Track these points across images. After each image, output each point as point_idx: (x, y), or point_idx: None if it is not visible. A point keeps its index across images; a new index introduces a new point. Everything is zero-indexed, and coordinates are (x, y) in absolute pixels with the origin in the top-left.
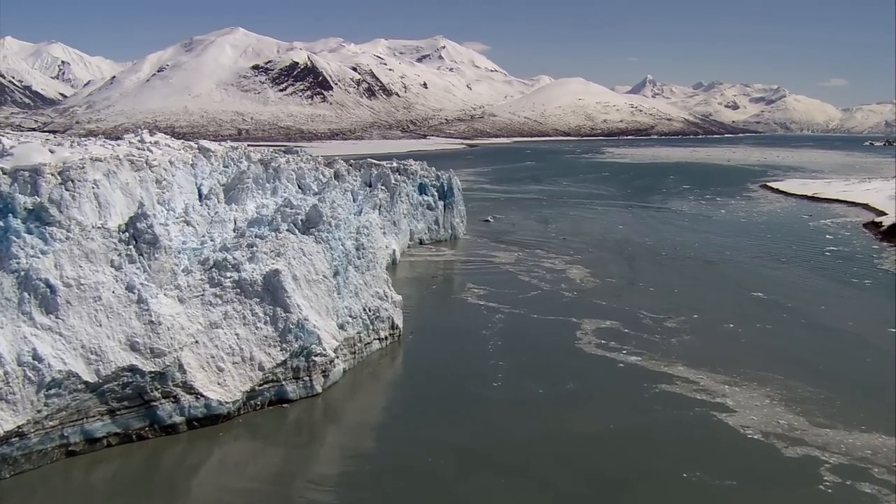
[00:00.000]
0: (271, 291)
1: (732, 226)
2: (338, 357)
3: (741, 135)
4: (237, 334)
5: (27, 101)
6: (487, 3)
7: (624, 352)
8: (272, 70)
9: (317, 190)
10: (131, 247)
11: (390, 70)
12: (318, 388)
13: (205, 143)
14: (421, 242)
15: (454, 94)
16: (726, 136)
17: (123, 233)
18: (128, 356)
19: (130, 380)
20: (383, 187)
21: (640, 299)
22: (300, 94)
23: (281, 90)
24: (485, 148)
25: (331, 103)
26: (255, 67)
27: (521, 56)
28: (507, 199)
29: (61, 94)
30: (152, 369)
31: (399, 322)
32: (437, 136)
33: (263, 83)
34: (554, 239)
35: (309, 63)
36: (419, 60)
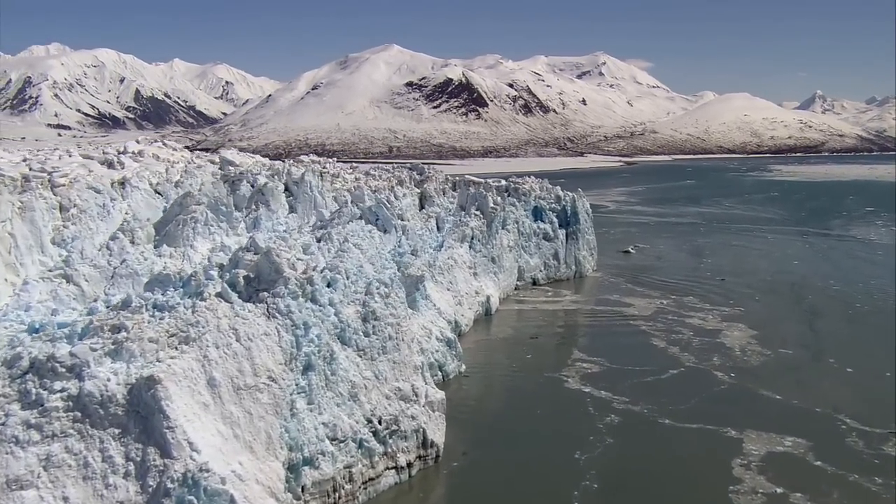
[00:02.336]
0: (143, 416)
1: None
2: None
3: None
4: (65, 498)
5: (190, 120)
6: (651, 20)
7: None
8: (426, 87)
9: (334, 219)
10: None
11: (548, 86)
12: None
13: (229, 155)
14: (534, 283)
15: (614, 111)
16: None
17: None
18: None
19: None
20: (478, 212)
21: (836, 390)
22: (454, 110)
23: (434, 107)
24: (643, 166)
25: (485, 120)
26: (409, 84)
27: (685, 72)
28: (658, 224)
29: (223, 113)
30: None
31: (437, 436)
32: (595, 153)
33: (417, 100)
34: (709, 280)
35: (464, 79)
36: (579, 77)
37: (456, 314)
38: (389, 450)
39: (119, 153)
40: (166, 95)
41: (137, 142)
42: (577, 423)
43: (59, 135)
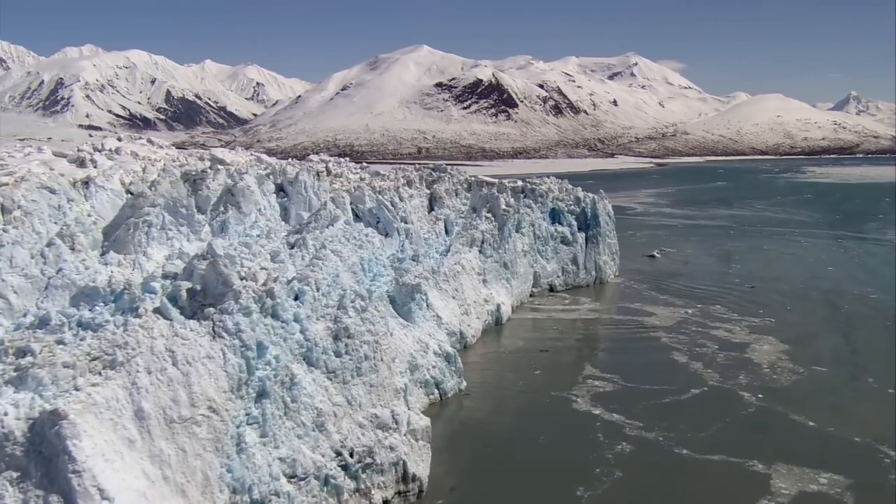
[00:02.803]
0: (46, 457)
1: None
2: None
3: None
4: None
5: (221, 121)
6: (683, 21)
7: None
8: (456, 87)
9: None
10: None
11: (579, 87)
12: None
13: (219, 152)
14: (551, 289)
15: (645, 112)
16: None
17: None
18: None
19: None
20: (489, 215)
21: (877, 417)
22: (484, 111)
23: (464, 108)
24: (674, 167)
25: (515, 121)
26: (439, 85)
27: (717, 73)
28: (686, 227)
29: (253, 114)
30: None
31: (421, 468)
32: (626, 154)
33: (447, 101)
34: (738, 287)
35: (494, 80)
36: (610, 78)
37: (461, 324)
38: (362, 486)
39: (95, 150)
40: (197, 96)
41: (119, 139)
42: (583, 452)
43: (90, 135)
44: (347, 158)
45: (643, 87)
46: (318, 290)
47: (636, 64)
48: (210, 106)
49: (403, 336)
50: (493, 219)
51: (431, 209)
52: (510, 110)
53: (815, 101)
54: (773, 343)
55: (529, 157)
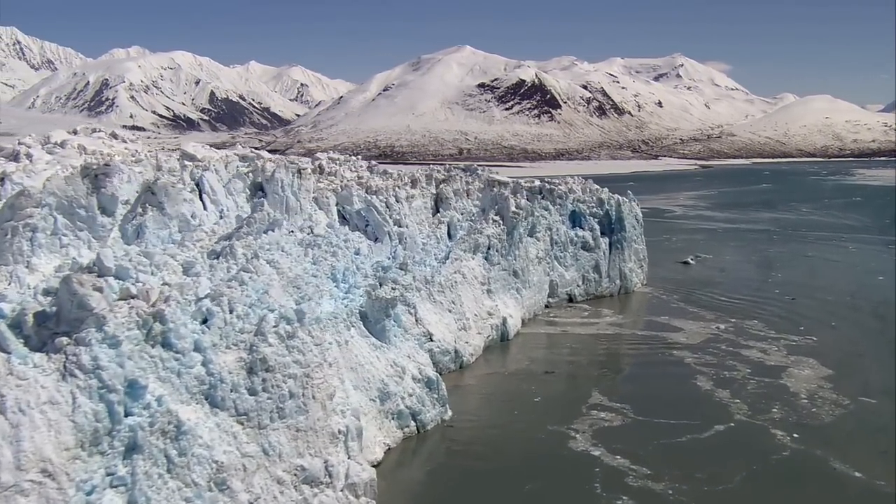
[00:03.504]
0: None
1: None
2: None
3: None
4: None
5: (265, 122)
6: (730, 23)
7: None
8: (498, 88)
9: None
10: None
11: (623, 88)
12: None
13: (191, 148)
14: (570, 300)
15: (691, 114)
16: None
17: None
18: None
19: None
20: (497, 218)
21: None
22: (526, 112)
23: (507, 108)
24: (719, 169)
25: (558, 122)
26: (481, 85)
27: (765, 75)
28: (726, 231)
29: (297, 115)
30: None
31: None
32: (670, 156)
33: (489, 101)
34: (777, 299)
35: (537, 81)
36: (655, 79)
37: (457, 342)
38: None
39: (35, 145)
40: (241, 97)
41: (74, 132)
42: None
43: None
44: (371, 161)
45: (689, 88)
46: (230, 311)
47: (682, 65)
48: (254, 107)
49: (374, 359)
50: (501, 222)
51: (438, 211)
52: (553, 111)
53: (864, 102)
54: (813, 367)
55: (572, 158)
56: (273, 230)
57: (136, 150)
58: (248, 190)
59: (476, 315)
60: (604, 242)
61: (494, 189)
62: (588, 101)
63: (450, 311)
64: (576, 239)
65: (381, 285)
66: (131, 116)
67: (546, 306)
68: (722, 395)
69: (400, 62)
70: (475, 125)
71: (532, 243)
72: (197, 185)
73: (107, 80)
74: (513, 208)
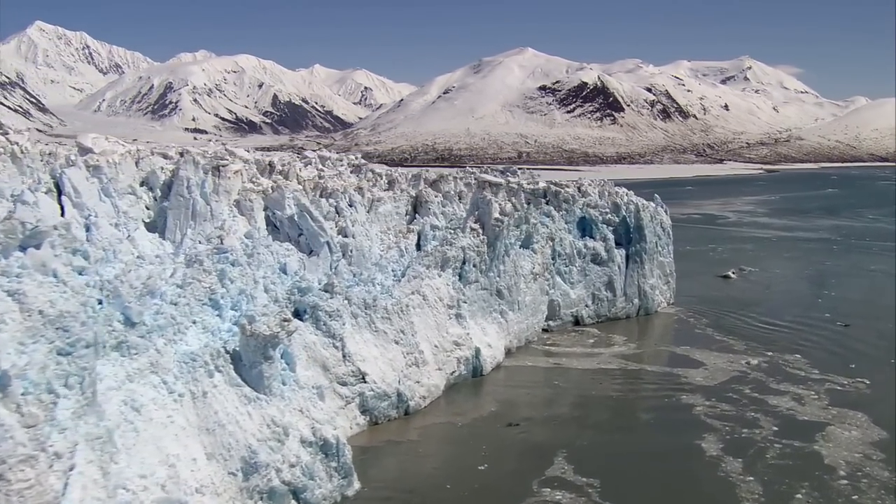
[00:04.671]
0: None
1: None
2: None
3: None
4: None
5: (327, 125)
6: (801, 26)
7: None
8: (560, 91)
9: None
10: None
11: (688, 91)
12: None
13: (89, 140)
14: (577, 322)
15: (758, 117)
16: None
17: None
18: None
19: None
20: (477, 226)
21: None
22: (588, 115)
23: (568, 111)
24: (785, 173)
25: (620, 125)
26: (542, 88)
27: (836, 78)
28: (780, 240)
29: (359, 118)
30: None
31: None
32: (735, 160)
33: (550, 104)
34: (826, 325)
35: (599, 83)
36: (722, 82)
37: (402, 381)
38: None
39: None
40: (304, 100)
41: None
42: None
43: (195, 139)
44: (363, 160)
45: (757, 91)
46: None
47: (750, 68)
48: (316, 110)
49: (243, 416)
50: (480, 231)
51: (415, 218)
52: (616, 114)
53: None
54: (861, 426)
55: (634, 162)
56: (39, 246)
57: (18, 143)
58: (150, 192)
59: (437, 346)
60: (619, 255)
61: (486, 191)
62: (652, 104)
63: (397, 343)
64: (584, 251)
65: (299, 313)
66: (193, 119)
67: (545, 330)
68: (731, 468)
69: (462, 65)
70: (535, 128)
71: (526, 256)
72: (56, 185)
73: (171, 83)
74: (496, 215)
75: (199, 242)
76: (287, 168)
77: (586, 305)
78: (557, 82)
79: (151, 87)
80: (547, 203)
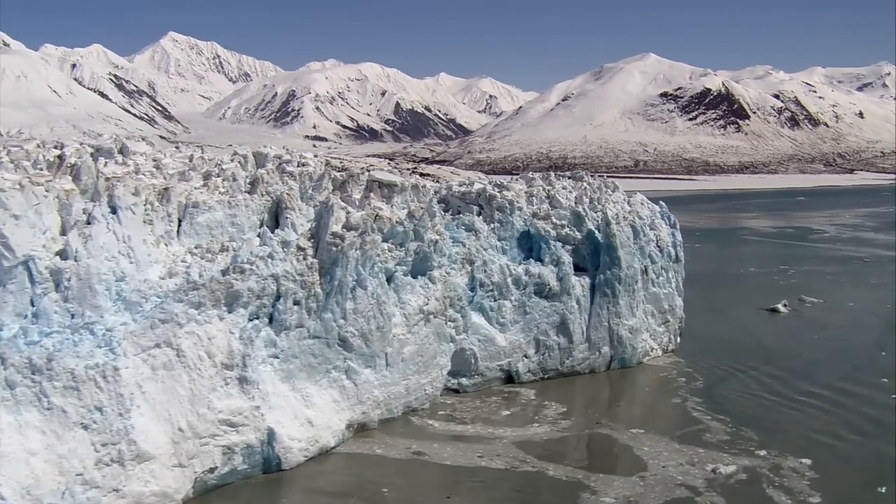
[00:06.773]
0: None
1: None
2: None
3: None
4: None
5: (449, 133)
6: None
7: None
8: (681, 97)
9: None
10: None
11: (820, 98)
12: None
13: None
14: (510, 380)
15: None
16: None
17: None
18: None
19: None
20: (308, 244)
21: None
22: (711, 122)
23: (690, 119)
24: None
25: (745, 133)
26: (664, 95)
27: None
28: (873, 262)
29: (482, 126)
30: None
31: None
32: (867, 170)
33: (671, 111)
34: (876, 394)
35: (723, 90)
36: (859, 89)
37: (77, 494)
38: None
39: None
40: (427, 109)
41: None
42: None
43: (314, 146)
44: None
45: None
46: None
47: (889, 73)
48: (439, 118)
49: None
50: (308, 252)
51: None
52: (740, 122)
53: None
54: None
55: (757, 171)
56: None
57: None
58: None
59: (183, 430)
60: (580, 284)
61: (373, 194)
62: (780, 112)
63: (85, 428)
64: (525, 279)
65: None
66: (314, 127)
67: (454, 391)
68: None
69: (584, 71)
70: (655, 136)
71: (416, 288)
72: None
73: (294, 91)
74: (334, 228)
75: None
76: (80, 164)
77: (525, 356)
78: (679, 88)
79: (275, 95)
80: (482, 212)
